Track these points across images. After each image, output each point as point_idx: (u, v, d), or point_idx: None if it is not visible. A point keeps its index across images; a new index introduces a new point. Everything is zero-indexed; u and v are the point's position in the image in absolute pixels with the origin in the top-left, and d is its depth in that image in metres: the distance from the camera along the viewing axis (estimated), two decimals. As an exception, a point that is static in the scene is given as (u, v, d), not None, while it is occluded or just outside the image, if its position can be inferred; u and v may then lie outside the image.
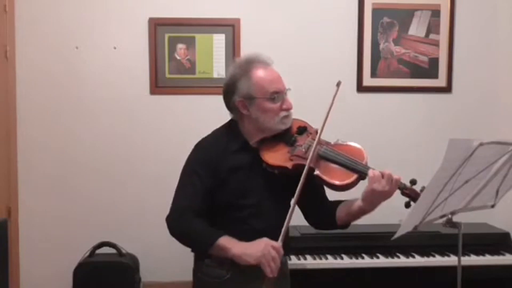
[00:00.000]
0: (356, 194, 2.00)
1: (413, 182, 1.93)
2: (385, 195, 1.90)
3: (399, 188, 1.93)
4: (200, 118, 3.19)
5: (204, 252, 1.99)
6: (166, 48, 3.23)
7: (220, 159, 2.01)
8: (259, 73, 2.01)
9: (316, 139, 1.96)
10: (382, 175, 1.88)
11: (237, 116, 2.08)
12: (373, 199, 1.93)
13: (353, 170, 1.95)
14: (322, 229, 2.23)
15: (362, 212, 1.99)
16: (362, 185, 1.96)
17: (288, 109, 2.03)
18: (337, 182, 1.94)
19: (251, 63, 2.03)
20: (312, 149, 1.95)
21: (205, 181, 1.99)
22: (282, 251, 1.88)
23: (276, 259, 1.85)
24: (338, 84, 1.98)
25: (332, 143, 2.05)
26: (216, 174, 2.00)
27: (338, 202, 2.10)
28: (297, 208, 2.01)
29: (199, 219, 1.97)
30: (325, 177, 1.94)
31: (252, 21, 3.24)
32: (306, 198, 2.03)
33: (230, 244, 1.90)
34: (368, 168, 1.94)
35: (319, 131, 1.99)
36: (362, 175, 1.94)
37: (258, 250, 1.86)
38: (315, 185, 2.01)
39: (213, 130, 2.13)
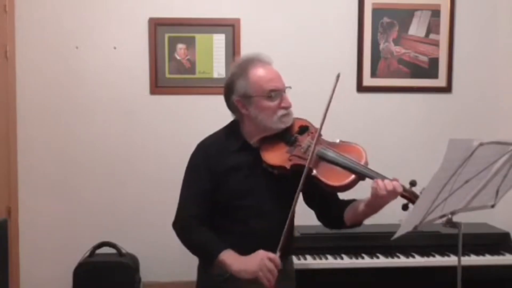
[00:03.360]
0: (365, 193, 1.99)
1: (413, 183, 1.89)
2: (387, 202, 1.89)
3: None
4: (200, 118, 3.20)
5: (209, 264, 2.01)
6: (166, 48, 3.23)
7: (218, 158, 2.01)
8: (257, 71, 1.99)
9: (315, 139, 1.94)
10: (385, 187, 1.84)
11: (238, 116, 2.07)
12: (375, 205, 1.93)
13: (351, 170, 1.91)
14: (332, 228, 2.21)
15: (366, 214, 1.99)
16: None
17: (286, 107, 2.01)
18: (332, 183, 1.91)
19: (249, 62, 2.02)
20: (311, 149, 1.92)
21: (205, 181, 2.00)
22: (279, 261, 1.88)
23: (273, 270, 1.86)
24: (338, 77, 1.92)
25: (331, 142, 2.02)
26: (214, 173, 2.00)
27: (349, 202, 2.08)
28: (298, 210, 1.98)
29: (203, 229, 2.00)
30: (322, 178, 1.91)
31: (252, 21, 3.24)
32: (315, 198, 2.04)
33: (230, 261, 1.92)
34: (368, 170, 1.91)
35: (317, 131, 1.96)
36: (360, 176, 1.91)
37: (255, 264, 1.87)
38: (319, 185, 1.97)
39: (216, 131, 2.14)
